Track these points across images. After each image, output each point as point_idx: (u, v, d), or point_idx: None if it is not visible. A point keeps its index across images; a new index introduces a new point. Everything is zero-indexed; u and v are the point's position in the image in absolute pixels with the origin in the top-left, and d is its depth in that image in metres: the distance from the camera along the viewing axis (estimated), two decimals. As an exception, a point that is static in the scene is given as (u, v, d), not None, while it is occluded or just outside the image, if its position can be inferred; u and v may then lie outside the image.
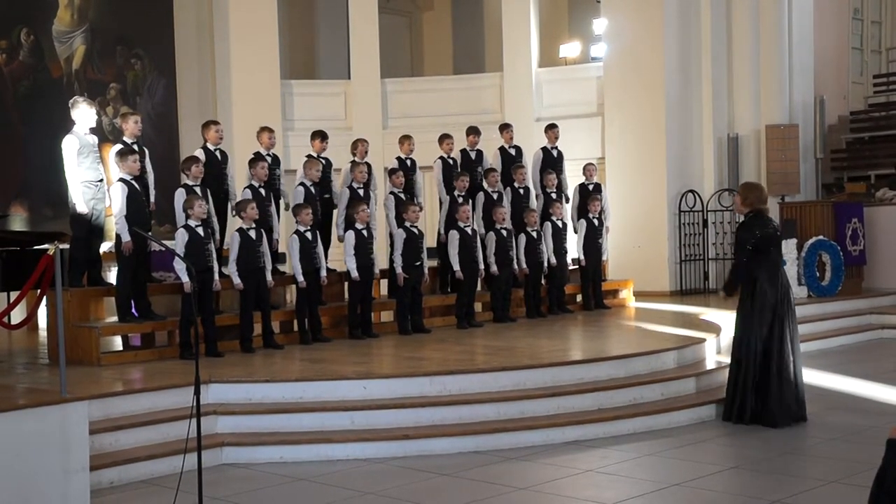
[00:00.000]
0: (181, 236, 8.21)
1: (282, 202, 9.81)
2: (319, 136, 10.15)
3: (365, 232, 9.39)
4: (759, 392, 7.12)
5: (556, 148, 11.75)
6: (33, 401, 5.61)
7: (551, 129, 11.78)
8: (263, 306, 8.78)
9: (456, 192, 10.53)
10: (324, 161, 9.97)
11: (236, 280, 8.57)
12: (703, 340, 8.80)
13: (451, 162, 11.01)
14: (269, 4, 14.27)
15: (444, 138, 11.06)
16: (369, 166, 10.15)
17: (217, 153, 9.32)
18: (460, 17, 17.61)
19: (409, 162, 10.69)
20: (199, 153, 9.15)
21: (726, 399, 7.33)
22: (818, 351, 10.37)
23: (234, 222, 9.76)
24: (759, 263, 7.16)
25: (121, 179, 8.31)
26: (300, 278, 8.98)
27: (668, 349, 8.28)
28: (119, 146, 8.63)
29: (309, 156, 9.93)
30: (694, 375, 7.97)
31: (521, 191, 11.20)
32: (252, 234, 8.64)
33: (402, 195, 10.17)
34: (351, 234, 9.35)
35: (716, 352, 8.99)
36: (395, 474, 6.18)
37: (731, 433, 7.06)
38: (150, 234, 8.03)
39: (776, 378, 7.06)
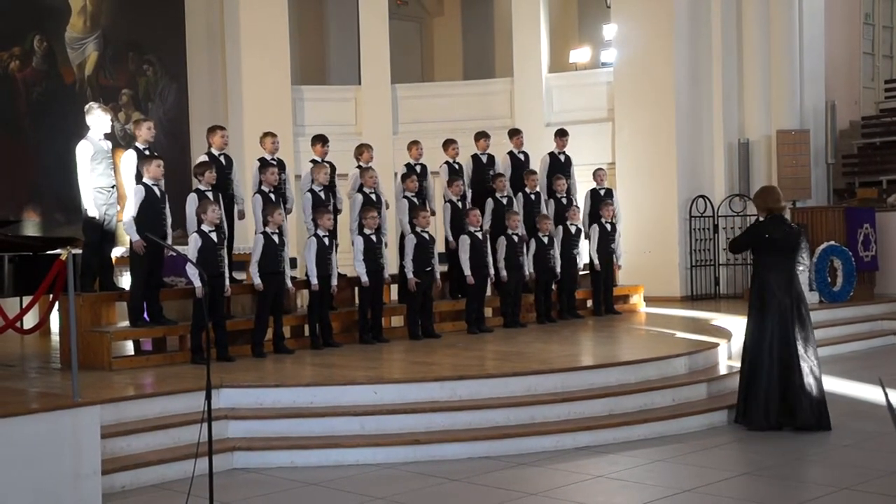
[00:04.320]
0: (194, 241, 8.24)
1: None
2: (321, 140, 10.11)
3: (374, 237, 9.40)
4: (772, 400, 7.09)
5: (564, 153, 11.77)
6: (46, 405, 5.64)
7: (561, 135, 11.78)
8: (277, 311, 8.79)
9: (455, 198, 10.55)
10: (327, 165, 9.97)
11: (257, 281, 8.58)
12: (716, 345, 8.79)
13: (456, 167, 11.02)
14: (280, 10, 14.33)
15: (449, 143, 11.07)
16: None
17: (222, 158, 9.33)
18: (470, 23, 17.64)
19: (418, 167, 10.70)
20: (204, 158, 9.18)
21: (737, 403, 7.33)
22: (829, 357, 10.31)
23: (239, 227, 9.79)
24: (771, 268, 7.14)
25: (142, 183, 8.35)
26: (314, 280, 8.99)
27: (680, 354, 8.27)
28: (133, 151, 8.68)
29: (314, 161, 9.93)
30: (706, 381, 7.95)
31: (533, 196, 11.21)
32: (275, 238, 8.67)
33: (415, 200, 10.19)
34: (360, 240, 9.37)
35: (727, 357, 8.97)
36: (406, 479, 6.18)
37: (742, 439, 7.04)
38: (165, 241, 8.05)
39: (779, 384, 7.03)
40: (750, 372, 7.15)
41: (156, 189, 8.39)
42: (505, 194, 10.94)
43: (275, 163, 9.48)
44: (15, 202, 12.31)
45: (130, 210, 8.28)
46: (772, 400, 7.06)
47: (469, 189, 11.01)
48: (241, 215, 9.44)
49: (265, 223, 8.73)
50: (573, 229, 11.24)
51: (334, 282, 9.20)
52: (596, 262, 11.39)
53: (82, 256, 8.57)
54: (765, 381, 7.06)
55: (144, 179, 8.38)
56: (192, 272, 8.20)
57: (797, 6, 14.36)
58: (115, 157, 8.88)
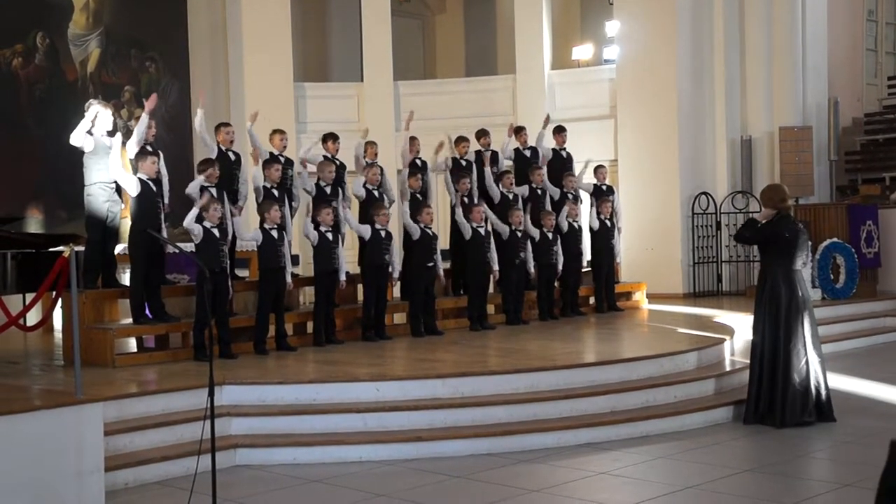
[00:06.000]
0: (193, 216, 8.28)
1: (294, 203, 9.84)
2: (332, 137, 10.21)
3: (382, 232, 9.40)
4: (766, 393, 7.14)
5: (564, 149, 11.78)
6: (49, 402, 5.64)
7: (560, 132, 11.82)
8: (278, 308, 8.80)
9: (460, 194, 10.58)
10: (337, 163, 10.01)
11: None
12: (723, 341, 8.79)
13: (463, 164, 11.03)
14: (283, 7, 14.32)
15: (461, 140, 11.10)
16: (381, 168, 10.20)
17: (230, 154, 9.36)
18: (473, 20, 17.62)
19: (418, 162, 10.72)
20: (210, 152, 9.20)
21: (748, 402, 7.35)
22: (832, 353, 10.31)
23: (244, 224, 9.79)
24: (780, 265, 7.17)
25: (138, 178, 8.39)
26: (313, 235, 8.97)
27: (689, 350, 8.28)
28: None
29: (324, 157, 9.98)
30: (714, 377, 7.95)
31: (539, 192, 11.23)
32: (274, 233, 8.68)
33: (418, 196, 10.20)
34: (367, 229, 9.37)
35: (730, 354, 8.97)
36: (408, 476, 6.19)
37: (744, 435, 7.05)
38: (163, 236, 8.08)
39: (782, 379, 7.07)
40: (769, 371, 7.14)
41: (151, 184, 8.43)
42: (510, 191, 10.95)
43: (281, 160, 9.51)
44: (18, 199, 12.32)
45: (132, 193, 8.36)
46: (798, 396, 7.08)
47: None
48: (240, 211, 9.47)
49: (262, 220, 8.74)
50: (576, 226, 11.26)
51: (342, 276, 9.21)
52: (595, 225, 11.40)
53: (85, 253, 8.58)
54: (784, 377, 7.08)
55: (139, 174, 8.42)
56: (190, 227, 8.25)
57: (800, 2, 14.34)
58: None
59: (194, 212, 8.26)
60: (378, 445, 6.64)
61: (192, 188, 8.59)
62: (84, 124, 8.60)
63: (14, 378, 7.70)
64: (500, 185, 10.96)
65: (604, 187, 11.83)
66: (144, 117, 8.78)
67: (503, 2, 16.33)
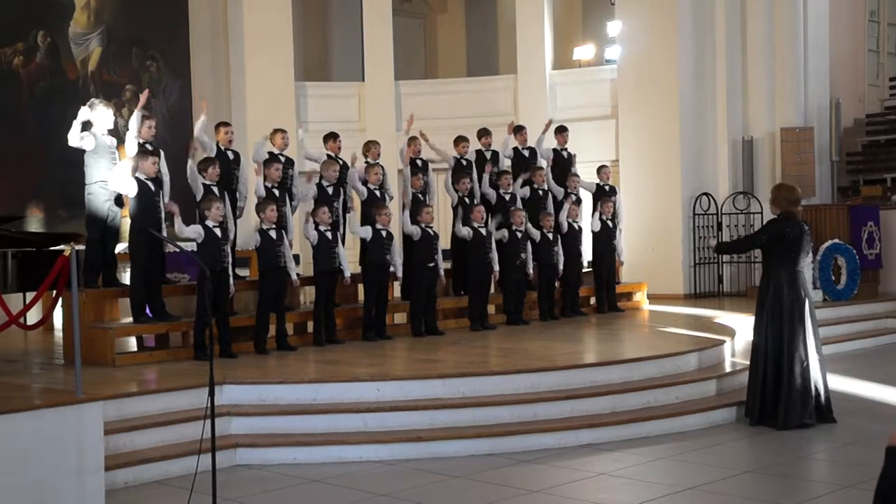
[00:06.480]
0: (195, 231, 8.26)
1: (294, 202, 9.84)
2: (332, 137, 10.22)
3: (383, 232, 9.40)
4: (770, 394, 7.13)
5: (566, 149, 11.78)
6: (49, 401, 5.64)
7: (561, 132, 11.82)
8: (279, 308, 8.79)
9: (460, 194, 10.58)
10: (341, 162, 10.01)
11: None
12: (723, 342, 8.78)
13: (463, 163, 11.03)
14: (284, 6, 14.32)
15: (460, 140, 11.10)
16: (383, 168, 10.20)
17: (229, 154, 9.35)
18: (474, 20, 17.62)
19: (419, 162, 10.72)
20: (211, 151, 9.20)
21: (746, 400, 7.35)
22: (833, 355, 10.30)
23: (242, 223, 9.79)
24: (783, 266, 7.16)
25: (135, 177, 8.39)
26: (312, 235, 8.98)
27: (683, 352, 8.26)
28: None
29: (328, 156, 9.99)
30: (715, 378, 7.94)
31: (540, 192, 11.22)
32: (272, 233, 8.67)
33: (420, 195, 10.21)
34: (368, 231, 9.37)
35: (730, 355, 8.96)
36: (408, 476, 6.18)
37: (745, 436, 7.04)
38: (164, 235, 8.08)
39: (785, 381, 7.06)
40: (772, 372, 7.12)
41: (150, 183, 8.43)
42: (508, 191, 10.95)
43: (281, 159, 9.50)
44: (18, 198, 12.31)
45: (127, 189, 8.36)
46: (799, 397, 7.07)
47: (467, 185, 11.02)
48: (241, 212, 9.46)
49: (259, 219, 8.74)
50: (576, 226, 11.26)
51: (347, 273, 9.20)
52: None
53: (86, 252, 8.58)
54: (787, 379, 7.07)
55: (137, 174, 8.42)
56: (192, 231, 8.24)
57: (802, 3, 14.32)
58: (119, 152, 8.90)
59: (178, 220, 8.23)
60: (378, 445, 6.63)
61: (192, 175, 8.62)
62: (76, 125, 8.59)
63: (14, 377, 7.70)
64: (499, 186, 10.95)
65: (606, 187, 11.82)
66: (137, 113, 8.78)
67: (504, 1, 16.33)
